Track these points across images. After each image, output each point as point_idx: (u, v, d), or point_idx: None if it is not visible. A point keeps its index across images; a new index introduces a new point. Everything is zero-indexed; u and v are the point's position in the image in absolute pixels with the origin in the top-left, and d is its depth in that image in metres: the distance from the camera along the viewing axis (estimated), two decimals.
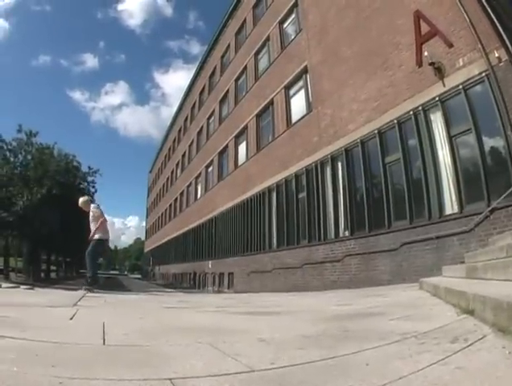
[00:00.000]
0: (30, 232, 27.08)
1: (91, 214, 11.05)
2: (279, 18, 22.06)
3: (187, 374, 2.25)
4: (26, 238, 30.71)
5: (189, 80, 44.29)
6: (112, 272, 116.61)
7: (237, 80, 28.43)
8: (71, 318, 4.54)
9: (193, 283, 32.63)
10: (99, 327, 3.82)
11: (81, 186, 34.24)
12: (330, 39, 16.26)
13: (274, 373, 2.29)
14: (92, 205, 11.34)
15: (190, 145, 40.70)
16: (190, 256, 35.50)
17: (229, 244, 25.72)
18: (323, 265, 14.87)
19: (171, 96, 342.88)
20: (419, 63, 11.45)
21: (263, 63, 24.17)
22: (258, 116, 23.59)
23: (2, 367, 2.18)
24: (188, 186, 39.85)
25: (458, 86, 10.18)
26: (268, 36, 23.38)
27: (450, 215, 10.24)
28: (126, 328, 3.92)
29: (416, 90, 11.53)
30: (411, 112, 11.62)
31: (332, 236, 14.91)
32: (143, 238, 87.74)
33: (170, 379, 2.12)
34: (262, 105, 22.78)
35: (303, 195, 17.27)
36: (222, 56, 32.70)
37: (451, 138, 10.38)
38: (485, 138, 9.64)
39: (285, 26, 21.92)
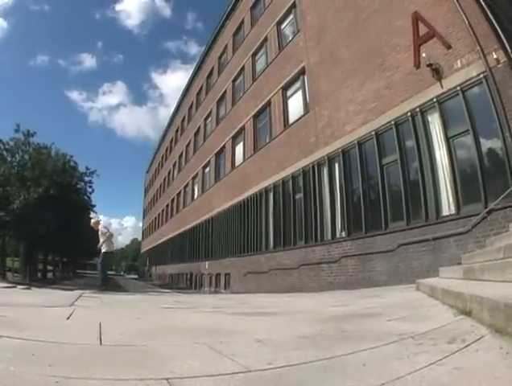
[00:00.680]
0: (26, 231, 26.99)
1: (99, 232, 13.73)
2: (277, 19, 22.04)
3: (184, 374, 2.25)
4: (22, 238, 30.60)
5: (187, 81, 44.35)
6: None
7: (234, 80, 28.40)
8: (67, 318, 4.54)
9: (190, 284, 32.59)
10: (96, 327, 3.82)
11: (78, 186, 34.09)
12: (328, 40, 16.26)
13: (271, 373, 2.28)
14: (100, 224, 14.21)
15: (187, 146, 40.65)
16: (187, 257, 35.43)
17: (225, 244, 25.69)
18: (319, 266, 14.86)
19: (169, 97, 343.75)
20: (417, 65, 11.45)
21: (261, 63, 24.16)
22: (256, 116, 23.57)
23: None
24: (185, 187, 39.80)
25: (456, 87, 10.18)
26: (266, 37, 23.35)
27: (447, 216, 10.23)
28: (123, 328, 3.92)
29: (414, 91, 11.53)
30: (409, 114, 11.62)
31: (329, 237, 14.90)
32: (140, 238, 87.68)
33: (167, 379, 2.12)
34: (260, 106, 22.76)
35: (299, 195, 17.26)
36: (220, 57, 32.67)
37: (448, 140, 10.38)
38: (482, 140, 9.65)
39: (283, 27, 21.91)
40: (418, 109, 11.34)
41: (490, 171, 9.42)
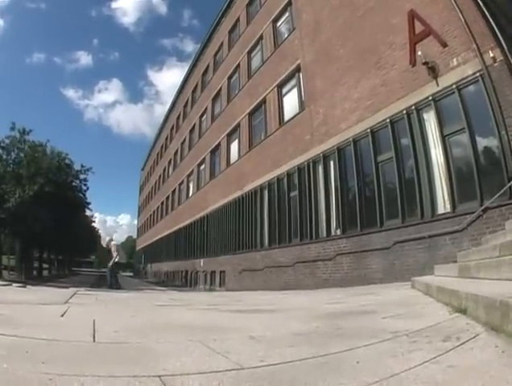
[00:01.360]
0: (22, 229, 26.97)
1: (113, 248, 18.67)
2: (273, 17, 22.00)
3: (177, 371, 2.24)
4: (18, 235, 30.58)
5: (182, 78, 44.26)
6: (104, 270, 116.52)
7: (229, 78, 28.35)
8: (62, 316, 4.53)
9: (185, 281, 32.57)
10: (90, 325, 3.81)
11: (73, 184, 34.05)
12: (323, 38, 16.25)
13: (264, 371, 2.28)
14: (112, 242, 19.16)
15: (182, 143, 40.58)
16: (182, 255, 35.40)
17: (220, 242, 25.67)
18: (315, 264, 14.86)
19: (165, 94, 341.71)
20: (413, 63, 11.45)
21: (256, 61, 24.11)
22: (251, 114, 23.52)
23: None
24: (180, 185, 39.75)
25: (452, 86, 10.18)
26: (261, 35, 23.30)
27: (442, 214, 10.24)
28: (117, 325, 3.91)
29: (409, 89, 11.53)
30: (404, 112, 11.61)
31: (324, 235, 14.90)
32: (135, 236, 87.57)
33: (159, 376, 2.11)
34: (255, 104, 22.73)
35: (295, 193, 17.25)
36: (215, 54, 32.58)
37: (444, 138, 10.38)
38: (478, 138, 9.65)
39: (278, 24, 21.87)
40: (413, 107, 11.33)
41: (486, 169, 9.43)
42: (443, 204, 10.36)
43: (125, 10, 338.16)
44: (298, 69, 18.26)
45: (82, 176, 34.42)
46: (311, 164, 16.00)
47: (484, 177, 9.30)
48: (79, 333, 3.42)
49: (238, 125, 25.07)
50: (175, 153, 43.29)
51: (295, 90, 18.79)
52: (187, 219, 34.17)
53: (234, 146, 25.92)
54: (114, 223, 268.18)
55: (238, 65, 26.52)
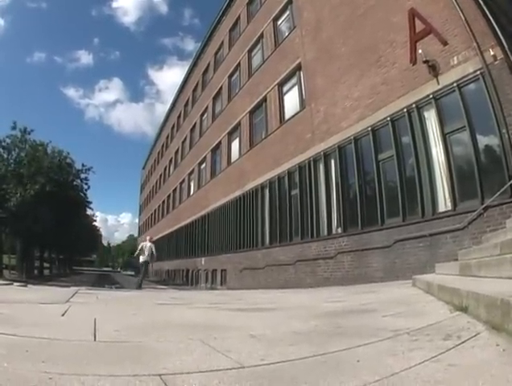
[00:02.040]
0: (23, 228, 26.99)
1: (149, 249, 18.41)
2: (273, 15, 21.99)
3: (177, 370, 2.24)
4: (19, 235, 30.61)
5: (183, 77, 44.26)
6: (105, 269, 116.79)
7: (230, 76, 28.34)
8: (62, 315, 4.53)
9: (186, 280, 32.56)
10: (90, 324, 3.81)
11: (74, 183, 34.08)
12: (324, 36, 16.23)
13: (264, 369, 2.28)
14: (149, 244, 18.61)
15: (183, 142, 40.57)
16: (183, 253, 35.42)
17: (221, 240, 25.69)
18: (315, 262, 14.86)
19: (166, 93, 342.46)
20: (414, 61, 11.43)
21: (257, 60, 24.11)
22: (252, 112, 23.52)
23: None
24: (181, 183, 39.73)
25: (452, 84, 10.16)
26: (262, 33, 23.30)
27: (443, 212, 10.23)
28: (118, 324, 3.91)
29: (410, 88, 11.51)
30: (405, 110, 11.60)
31: (325, 233, 14.89)
32: (137, 235, 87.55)
33: (159, 375, 2.11)
34: (256, 102, 22.72)
35: (295, 191, 17.25)
36: (216, 53, 32.57)
37: (444, 136, 10.37)
38: (479, 136, 9.63)
39: (279, 23, 21.86)
40: (414, 105, 11.32)
41: (487, 168, 9.42)
42: (444, 202, 10.36)
43: (125, 10, 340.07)
44: (299, 67, 18.24)
45: (83, 175, 34.47)
46: (311, 162, 16.00)
47: (484, 175, 9.28)
48: (80, 332, 3.42)
49: (239, 124, 25.07)
50: (176, 151, 43.28)
51: (295, 88, 18.78)
52: (189, 217, 34.17)
53: (235, 145, 25.90)
54: (116, 221, 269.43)
55: (239, 64, 26.50)
